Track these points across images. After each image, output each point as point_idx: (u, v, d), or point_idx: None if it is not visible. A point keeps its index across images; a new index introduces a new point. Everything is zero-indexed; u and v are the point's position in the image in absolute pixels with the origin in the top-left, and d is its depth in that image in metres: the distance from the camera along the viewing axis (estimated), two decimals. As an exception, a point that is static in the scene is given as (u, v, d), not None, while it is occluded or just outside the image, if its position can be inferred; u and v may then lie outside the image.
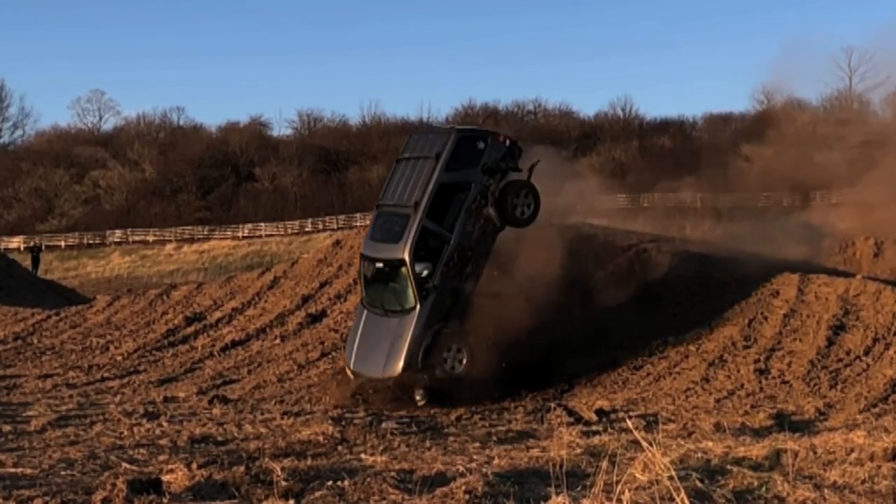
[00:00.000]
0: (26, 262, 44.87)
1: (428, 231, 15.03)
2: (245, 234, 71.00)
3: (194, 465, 7.73)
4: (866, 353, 15.20)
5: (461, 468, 7.27)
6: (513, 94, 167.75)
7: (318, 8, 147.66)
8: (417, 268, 14.95)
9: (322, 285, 21.29)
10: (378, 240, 15.79)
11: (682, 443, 8.30)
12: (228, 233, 71.50)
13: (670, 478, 5.74)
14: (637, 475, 6.04)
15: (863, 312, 16.28)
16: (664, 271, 19.34)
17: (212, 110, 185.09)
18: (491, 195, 15.42)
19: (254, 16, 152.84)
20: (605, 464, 6.04)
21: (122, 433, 11.50)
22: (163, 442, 10.78)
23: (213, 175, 79.24)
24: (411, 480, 6.85)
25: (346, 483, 6.73)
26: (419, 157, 15.66)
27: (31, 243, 59.32)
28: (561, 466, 6.59)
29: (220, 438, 11.19)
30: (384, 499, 6.43)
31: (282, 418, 12.78)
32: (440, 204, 15.16)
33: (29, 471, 8.61)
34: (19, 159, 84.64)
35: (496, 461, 8.13)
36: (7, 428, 11.62)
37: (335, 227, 66.85)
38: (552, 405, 14.07)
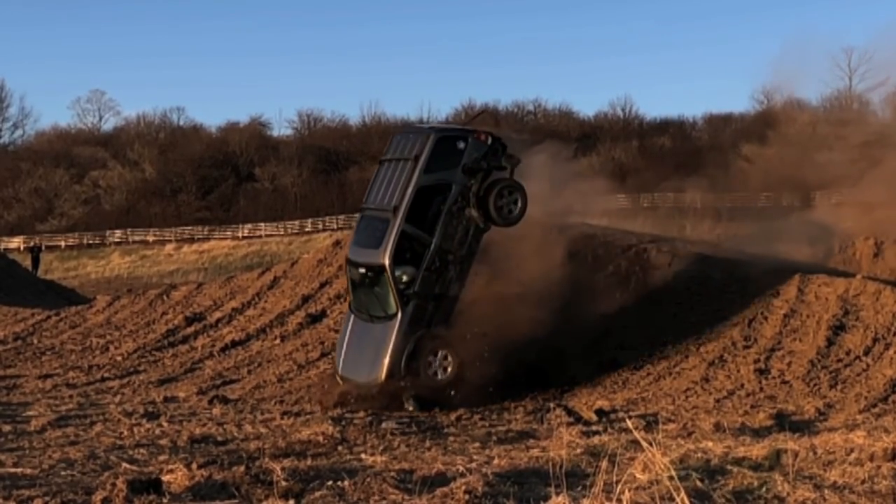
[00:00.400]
0: (26, 262, 44.91)
1: (408, 236, 14.75)
2: (245, 235, 71.01)
3: (194, 465, 7.73)
4: (866, 353, 15.21)
5: (461, 468, 7.26)
6: (513, 94, 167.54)
7: (318, 8, 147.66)
8: (400, 272, 14.69)
9: (322, 285, 21.29)
10: (361, 245, 15.60)
11: (682, 443, 8.30)
12: (228, 233, 71.51)
13: (670, 478, 5.74)
14: (637, 475, 6.05)
15: (863, 312, 16.28)
16: (664, 271, 19.34)
17: (212, 110, 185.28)
18: (473, 196, 15.09)
19: (254, 16, 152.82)
20: (605, 464, 6.04)
21: (122, 433, 11.50)
22: (163, 442, 10.79)
23: (213, 175, 79.25)
24: (411, 480, 6.85)
25: (346, 483, 6.73)
26: (399, 158, 15.38)
27: (31, 243, 59.34)
28: (561, 466, 6.60)
29: (220, 438, 11.19)
30: (384, 499, 6.43)
31: (282, 418, 12.78)
32: (421, 207, 14.88)
33: (29, 471, 8.61)
34: (19, 159, 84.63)
35: (496, 461, 8.13)
36: (7, 428, 11.63)
37: (335, 227, 66.85)
38: (552, 405, 14.07)
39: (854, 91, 70.46)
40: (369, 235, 15.39)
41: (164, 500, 6.56)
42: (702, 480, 6.25)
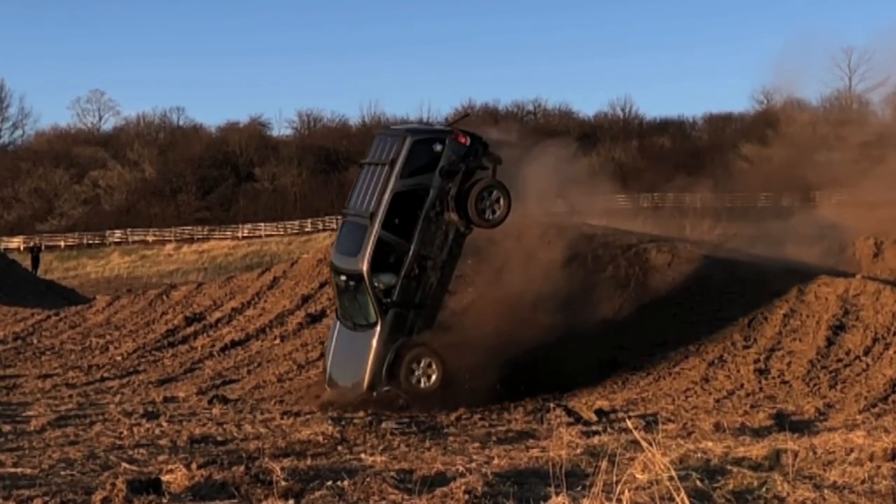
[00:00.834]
0: (26, 262, 44.90)
1: (385, 243, 14.47)
2: (245, 235, 71.02)
3: (194, 465, 7.73)
4: (866, 353, 15.20)
5: (461, 468, 7.26)
6: (513, 94, 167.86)
7: (318, 8, 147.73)
8: (383, 280, 14.46)
9: (322, 285, 21.26)
10: (341, 251, 15.37)
11: (682, 443, 8.29)
12: (228, 233, 71.53)
13: (670, 478, 5.74)
14: (637, 475, 6.05)
15: (863, 312, 16.27)
16: (664, 271, 19.33)
17: (212, 110, 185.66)
18: (451, 199, 14.68)
19: (254, 16, 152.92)
20: (604, 464, 6.04)
21: (121, 433, 11.50)
22: (162, 442, 10.79)
23: (213, 175, 79.26)
24: (411, 480, 6.85)
25: (345, 483, 6.73)
26: (377, 162, 15.07)
27: (31, 243, 59.36)
28: (561, 466, 6.60)
29: (219, 438, 11.19)
30: (384, 499, 6.43)
31: (282, 418, 12.77)
32: (398, 213, 14.54)
33: (29, 471, 8.61)
34: (19, 159, 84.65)
35: (496, 461, 8.12)
36: (7, 428, 11.63)
37: (335, 227, 66.75)
38: (552, 405, 14.05)
39: (854, 91, 70.52)
40: (349, 241, 15.15)
41: (164, 500, 6.56)
42: (702, 480, 6.25)
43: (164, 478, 7.04)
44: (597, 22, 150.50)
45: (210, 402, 14.80)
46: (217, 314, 21.11)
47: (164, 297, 22.83)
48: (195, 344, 19.76)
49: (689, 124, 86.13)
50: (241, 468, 7.28)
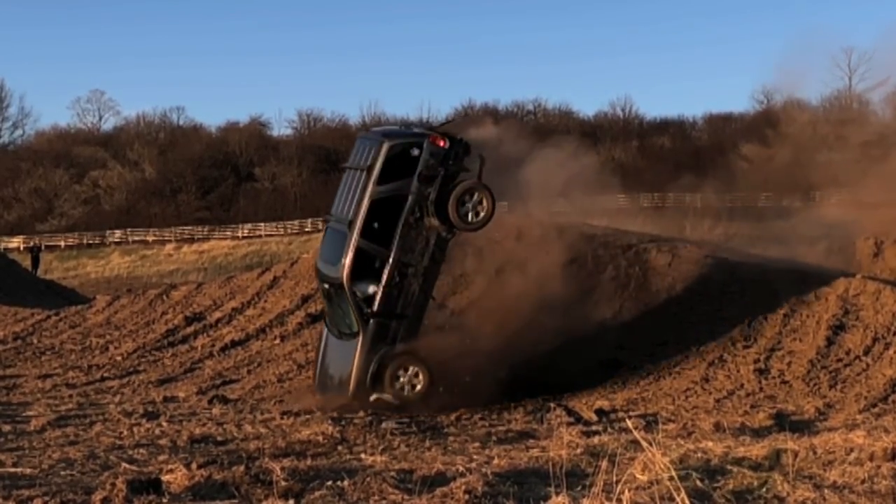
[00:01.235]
0: (26, 262, 44.89)
1: (364, 252, 14.27)
2: (245, 234, 71.03)
3: (194, 465, 7.73)
4: (866, 353, 15.20)
5: (461, 468, 7.27)
6: (513, 94, 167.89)
7: (318, 8, 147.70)
8: (363, 289, 14.27)
9: (322, 285, 21.28)
10: (324, 258, 15.22)
11: (682, 443, 8.29)
12: (228, 233, 71.52)
13: (670, 478, 5.74)
14: (637, 475, 6.05)
15: (863, 312, 16.27)
16: (664, 271, 19.33)
17: (212, 110, 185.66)
18: (430, 204, 14.35)
19: (254, 16, 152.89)
20: (605, 464, 6.04)
21: (121, 433, 11.50)
22: (162, 442, 10.78)
23: (213, 175, 79.27)
24: (411, 480, 6.85)
25: (345, 483, 6.73)
26: (356, 167, 14.89)
27: (31, 243, 59.35)
28: (561, 466, 6.60)
29: (219, 438, 11.19)
30: (384, 499, 6.43)
31: (282, 418, 12.77)
32: (377, 220, 14.31)
33: (29, 471, 8.61)
34: (19, 159, 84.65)
35: (496, 461, 8.12)
36: (7, 428, 11.63)
37: (335, 227, 66.77)
38: (552, 405, 14.05)
39: (854, 91, 70.53)
40: (331, 249, 14.98)
41: (164, 500, 6.57)
42: (702, 480, 6.25)
43: (164, 478, 7.05)
44: (597, 22, 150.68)
45: (210, 402, 14.79)
46: (217, 314, 21.10)
47: (164, 297, 22.82)
48: (195, 344, 19.75)
49: (690, 124, 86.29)
50: (241, 468, 7.28)
